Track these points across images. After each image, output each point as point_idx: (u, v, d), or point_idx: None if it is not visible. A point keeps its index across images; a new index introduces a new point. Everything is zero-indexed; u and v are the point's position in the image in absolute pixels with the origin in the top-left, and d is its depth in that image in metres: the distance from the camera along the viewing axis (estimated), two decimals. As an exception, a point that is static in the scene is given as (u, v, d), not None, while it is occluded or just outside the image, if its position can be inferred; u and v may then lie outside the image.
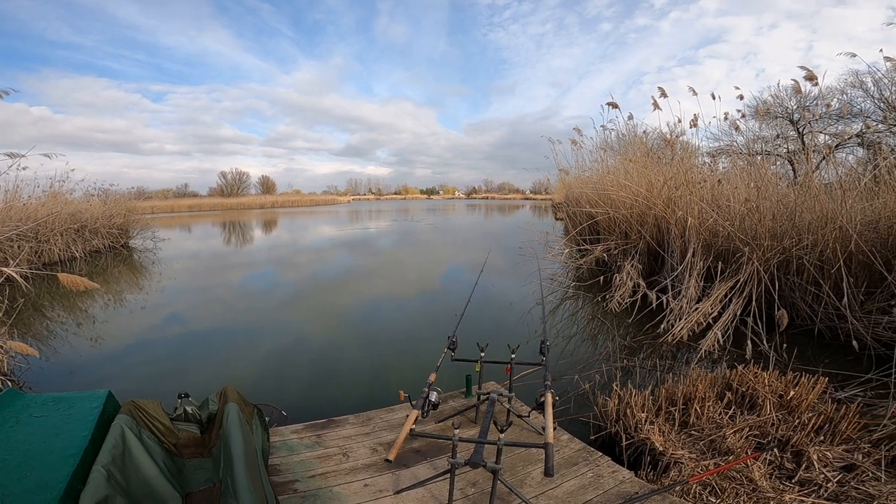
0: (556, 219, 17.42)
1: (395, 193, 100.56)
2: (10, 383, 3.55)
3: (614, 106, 7.72)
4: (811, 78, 5.37)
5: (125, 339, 5.21)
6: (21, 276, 3.82)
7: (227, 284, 8.61)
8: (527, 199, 71.23)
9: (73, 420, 1.79)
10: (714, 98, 6.77)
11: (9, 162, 5.33)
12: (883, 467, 2.06)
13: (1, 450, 1.57)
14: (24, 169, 8.46)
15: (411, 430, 1.90)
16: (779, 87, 14.20)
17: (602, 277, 6.58)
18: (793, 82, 5.53)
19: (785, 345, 3.92)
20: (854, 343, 3.95)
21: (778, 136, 14.37)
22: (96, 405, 1.89)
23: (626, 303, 5.69)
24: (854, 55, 5.12)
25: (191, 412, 2.22)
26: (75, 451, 1.59)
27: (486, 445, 1.91)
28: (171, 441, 2.03)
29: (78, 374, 4.14)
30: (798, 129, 13.83)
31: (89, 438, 1.67)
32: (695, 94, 6.84)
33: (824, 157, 7.09)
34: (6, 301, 4.37)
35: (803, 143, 12.84)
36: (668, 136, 7.96)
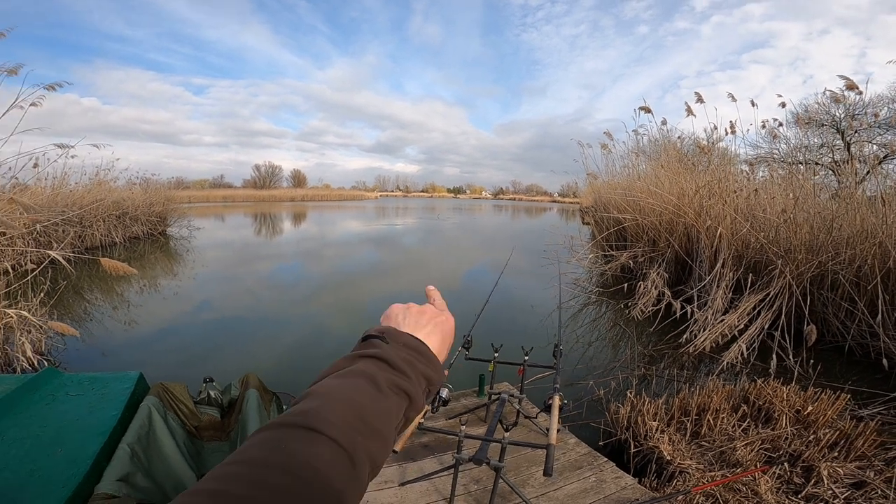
0: (584, 223, 17.18)
1: (423, 191, 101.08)
2: (46, 363, 3.72)
3: (647, 110, 7.59)
4: (851, 87, 5.14)
5: (157, 323, 5.43)
6: (65, 260, 4.05)
7: (255, 274, 8.88)
8: (554, 201, 70.39)
9: (106, 399, 1.88)
10: (753, 105, 6.55)
11: (58, 152, 5.65)
12: (893, 485, 2.00)
13: (36, 425, 1.67)
14: (72, 157, 8.94)
15: (420, 423, 1.95)
16: (825, 94, 13.60)
17: (626, 284, 6.49)
18: (834, 91, 5.29)
19: (811, 360, 3.80)
20: (884, 361, 3.80)
21: (823, 144, 13.77)
22: (128, 386, 1.99)
23: (648, 311, 5.59)
24: (904, 63, 4.87)
25: (213, 396, 2.32)
26: (104, 429, 1.68)
27: (491, 444, 1.94)
28: (194, 424, 2.11)
29: (110, 357, 4.32)
30: (845, 138, 13.21)
31: (118, 418, 1.76)
32: (734, 100, 6.64)
33: (870, 169, 6.76)
34: (48, 283, 4.63)
35: (849, 153, 12.26)
36: (704, 142, 7.74)
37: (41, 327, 3.99)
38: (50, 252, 4.24)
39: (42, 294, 4.38)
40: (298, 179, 76.44)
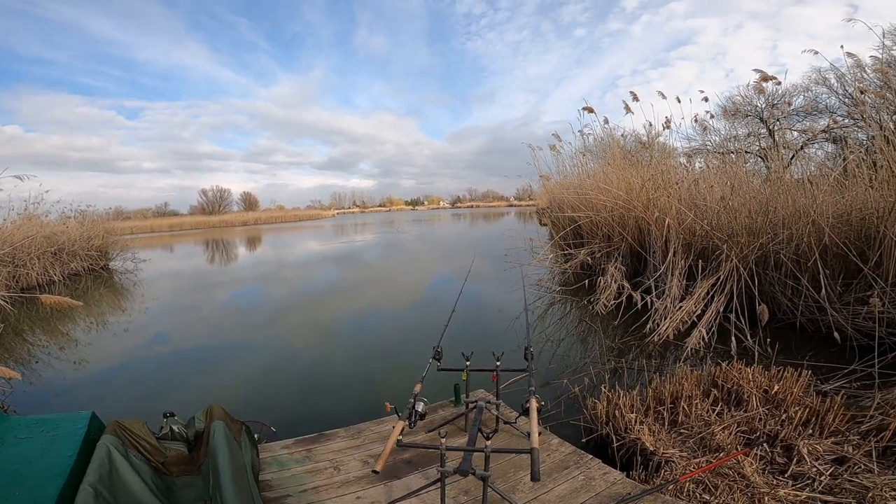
0: (541, 224, 17.55)
1: (380, 206, 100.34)
2: None
3: (590, 110, 7.85)
4: (766, 79, 5.53)
5: (109, 360, 5.12)
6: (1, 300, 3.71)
7: (211, 303, 8.47)
8: (511, 205, 71.77)
9: (58, 441, 1.78)
10: (679, 101, 6.93)
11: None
12: (874, 459, 2.08)
13: None
14: (-5, 191, 8.23)
15: (398, 440, 1.88)
16: (747, 86, 14.60)
17: (587, 281, 6.64)
18: (757, 83, 5.68)
19: (768, 339, 3.97)
20: (835, 335, 4.01)
21: (750, 134, 14.75)
22: (81, 426, 1.88)
23: (611, 305, 5.73)
24: (817, 52, 5.29)
25: (177, 431, 2.19)
26: (61, 470, 1.59)
27: (475, 453, 1.90)
28: (159, 459, 2.00)
29: (63, 397, 4.06)
30: (768, 126, 14.22)
31: (75, 458, 1.67)
32: (664, 97, 7.01)
33: (794, 154, 7.29)
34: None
35: (774, 140, 13.21)
36: (644, 138, 8.11)
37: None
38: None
39: None
40: (250, 202, 73.85)
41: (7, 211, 10.47)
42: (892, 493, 1.88)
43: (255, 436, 2.47)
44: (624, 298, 5.62)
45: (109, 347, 5.66)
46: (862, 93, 5.35)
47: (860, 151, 5.54)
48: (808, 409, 2.46)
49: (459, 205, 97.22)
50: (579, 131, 8.88)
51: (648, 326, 4.87)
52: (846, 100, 12.48)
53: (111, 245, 14.00)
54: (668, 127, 6.95)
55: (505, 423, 2.61)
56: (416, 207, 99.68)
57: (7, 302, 3.94)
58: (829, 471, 2.06)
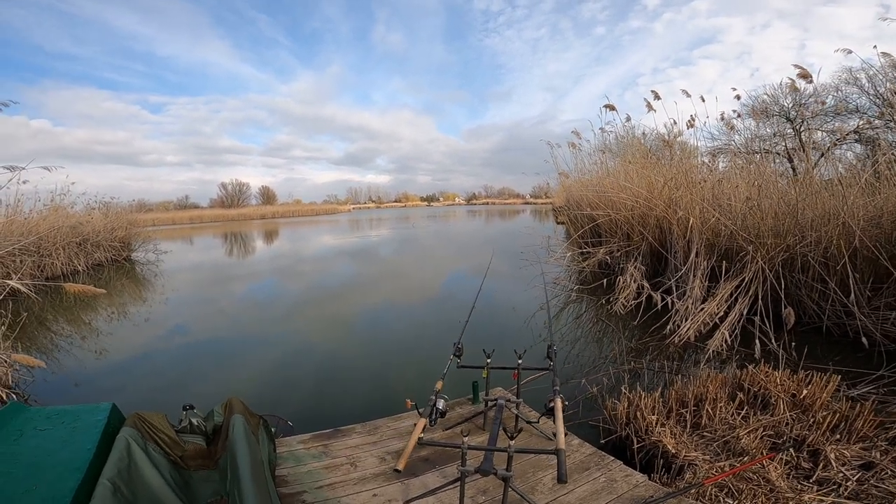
0: (558, 222, 17.40)
1: (396, 201, 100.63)
2: (14, 396, 3.54)
3: (611, 108, 7.76)
4: (805, 76, 5.38)
5: (129, 351, 5.20)
6: (25, 288, 3.81)
7: (230, 295, 8.60)
8: (527, 203, 71.29)
9: (78, 433, 1.78)
10: (703, 101, 6.79)
11: (8, 175, 5.32)
12: None
13: (6, 463, 1.56)
14: (24, 182, 8.46)
15: (419, 438, 1.87)
16: (775, 85, 14.22)
17: (605, 280, 6.56)
18: (788, 80, 5.53)
19: (793, 343, 3.88)
20: (863, 340, 3.92)
21: (776, 133, 14.38)
22: (100, 418, 1.88)
23: (630, 305, 5.66)
24: (850, 51, 5.12)
25: (196, 424, 2.19)
26: (81, 463, 1.57)
27: (495, 452, 1.88)
28: (177, 453, 2.00)
29: (83, 387, 4.12)
30: (795, 126, 13.84)
31: (94, 451, 1.66)
32: (688, 95, 6.88)
33: (822, 154, 7.08)
34: (10, 315, 4.37)
35: (801, 140, 12.85)
36: (666, 136, 7.96)
37: (5, 361, 3.77)
38: (8, 282, 3.97)
39: (3, 327, 4.15)
40: (268, 196, 74.80)
41: (34, 202, 10.81)
42: (921, 500, 1.82)
43: (273, 430, 2.48)
44: (644, 298, 5.54)
45: (130, 338, 5.75)
46: (895, 94, 5.16)
47: (892, 153, 5.36)
48: (836, 415, 2.40)
49: (475, 201, 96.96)
50: (600, 129, 8.78)
51: (669, 327, 4.79)
52: (877, 100, 12.07)
53: (134, 236, 14.34)
54: (693, 125, 6.82)
55: (526, 422, 2.59)
56: (432, 203, 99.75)
57: (31, 291, 4.03)
58: (856, 476, 2.01)
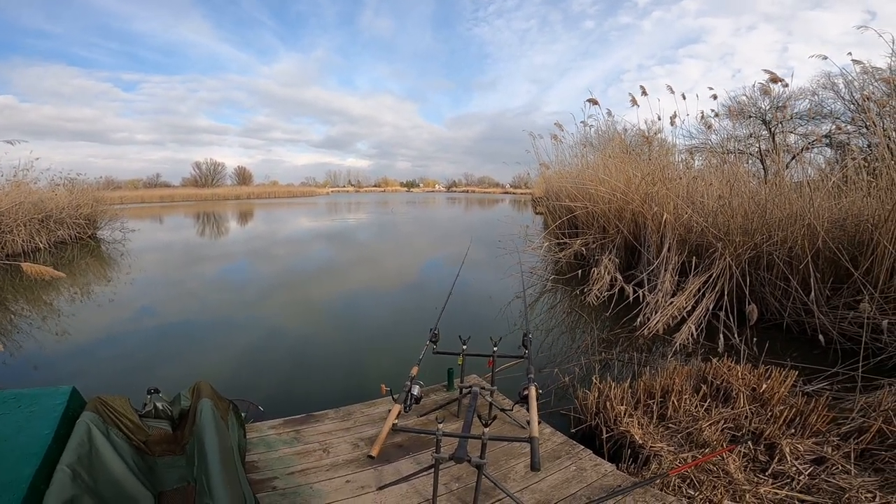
0: (536, 213, 17.57)
1: (375, 186, 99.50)
2: None
3: (594, 102, 7.80)
4: (775, 80, 5.52)
5: (92, 333, 5.02)
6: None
7: (200, 277, 8.39)
8: (507, 192, 71.53)
9: (36, 417, 1.71)
10: (684, 98, 6.89)
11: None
12: (852, 460, 2.14)
13: None
14: (-16, 157, 8.04)
15: (394, 424, 1.88)
16: (753, 87, 14.53)
17: (580, 271, 6.67)
18: (763, 84, 5.67)
19: (755, 338, 4.04)
20: (820, 337, 4.11)
21: (751, 135, 14.75)
22: (60, 402, 1.81)
23: (603, 296, 5.77)
24: (825, 57, 5.27)
25: (161, 408, 2.14)
26: (38, 449, 1.52)
27: (469, 440, 1.90)
28: (141, 438, 1.95)
29: (42, 370, 3.97)
30: (770, 128, 14.23)
31: (52, 436, 1.60)
32: (672, 92, 6.97)
33: (794, 157, 7.31)
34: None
35: (774, 142, 13.22)
36: (646, 133, 8.08)
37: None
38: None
39: None
40: (243, 176, 72.66)
41: (-5, 177, 10.30)
42: (868, 494, 1.93)
43: (243, 414, 2.44)
44: (616, 291, 5.66)
45: (93, 319, 5.55)
46: (867, 99, 5.35)
47: (860, 158, 5.57)
48: (793, 409, 2.51)
49: (455, 189, 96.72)
50: (582, 122, 8.84)
51: (639, 320, 4.92)
52: (852, 105, 12.49)
53: (100, 214, 13.80)
54: (674, 123, 6.93)
55: (500, 410, 2.62)
56: (412, 189, 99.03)
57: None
58: (809, 470, 2.12)
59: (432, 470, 1.86)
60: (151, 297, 6.80)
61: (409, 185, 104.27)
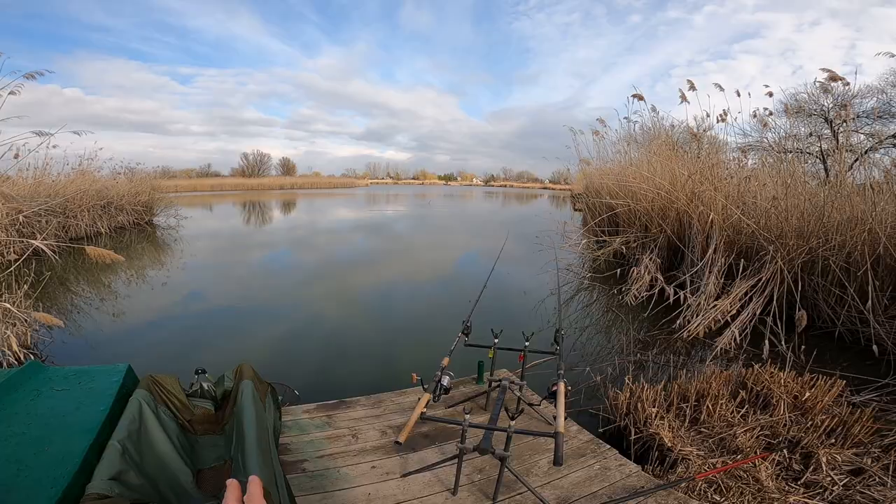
0: (575, 209, 17.20)
1: (413, 178, 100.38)
2: (32, 356, 3.62)
3: (639, 98, 7.55)
4: (834, 79, 5.17)
5: (146, 314, 5.33)
6: (49, 249, 3.94)
7: (245, 263, 8.78)
8: (545, 188, 70.42)
9: (93, 394, 1.79)
10: (738, 95, 6.55)
11: (38, 140, 5.47)
12: (890, 472, 2.03)
13: (21, 423, 1.58)
14: (54, 147, 8.69)
15: (422, 413, 1.93)
16: (814, 84, 13.63)
17: (619, 270, 6.52)
18: (819, 83, 5.32)
19: (803, 346, 3.84)
20: (874, 347, 3.87)
21: (811, 133, 13.87)
22: (116, 379, 1.90)
23: (642, 297, 5.63)
24: (893, 55, 4.88)
25: (206, 388, 2.23)
26: (93, 425, 1.60)
27: (494, 433, 1.93)
28: (186, 417, 2.04)
29: (99, 349, 4.22)
30: (833, 127, 13.31)
31: (107, 413, 1.68)
32: (721, 89, 6.64)
33: (857, 158, 6.82)
34: (32, 274, 4.48)
35: (837, 142, 12.37)
36: (695, 130, 7.75)
37: (25, 320, 3.88)
38: (33, 241, 4.11)
39: (26, 286, 4.23)
40: (288, 167, 75.15)
41: (62, 165, 11.13)
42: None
43: (279, 398, 2.54)
44: (656, 291, 5.51)
45: (147, 301, 5.88)
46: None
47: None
48: (835, 419, 2.39)
49: (493, 183, 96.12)
50: (625, 118, 8.58)
51: (679, 322, 4.77)
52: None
53: (156, 201, 14.67)
54: (724, 120, 6.62)
55: (528, 405, 2.63)
56: (449, 182, 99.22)
57: (55, 251, 4.15)
58: (844, 481, 2.03)
59: (456, 460, 1.90)
60: (200, 281, 7.18)
61: (447, 178, 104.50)
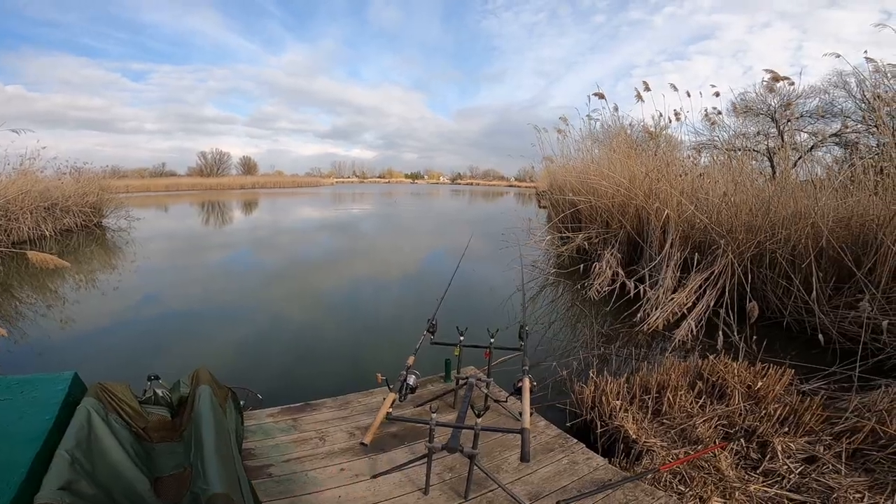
0: (540, 207, 17.49)
1: (380, 177, 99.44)
2: None
3: (601, 96, 7.73)
4: (777, 79, 5.47)
5: (96, 320, 5.07)
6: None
7: (203, 265, 8.45)
8: (511, 186, 71.24)
9: (37, 403, 1.73)
10: (689, 95, 6.84)
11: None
12: (843, 460, 2.14)
13: None
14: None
15: (388, 413, 1.89)
16: (761, 84, 14.37)
17: (582, 265, 6.65)
18: (765, 83, 5.62)
19: (755, 336, 4.02)
20: (820, 337, 4.09)
21: (759, 132, 14.61)
22: (61, 388, 1.82)
23: (604, 291, 5.77)
24: (838, 55, 5.21)
25: (161, 395, 2.16)
26: (38, 434, 1.54)
27: (463, 430, 1.92)
28: (140, 425, 1.97)
29: (46, 356, 4.00)
30: (779, 126, 14.08)
31: (53, 422, 1.62)
32: (675, 90, 6.92)
33: (801, 156, 7.25)
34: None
35: (783, 140, 13.09)
36: (652, 129, 8.02)
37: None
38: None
39: None
40: (249, 166, 72.57)
41: (2, 166, 10.46)
42: (857, 494, 1.94)
43: (241, 402, 2.46)
44: (617, 286, 5.66)
45: (97, 306, 5.57)
46: (877, 98, 5.29)
47: (869, 157, 5.51)
48: (787, 407, 2.51)
49: (459, 181, 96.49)
50: (587, 116, 8.76)
51: (639, 315, 4.92)
52: (863, 104, 12.32)
53: (105, 202, 13.87)
54: (679, 119, 6.87)
55: (495, 401, 2.64)
56: (416, 181, 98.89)
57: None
58: (799, 469, 2.12)
59: (426, 459, 1.88)
60: (155, 285, 6.84)
61: (414, 176, 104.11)
